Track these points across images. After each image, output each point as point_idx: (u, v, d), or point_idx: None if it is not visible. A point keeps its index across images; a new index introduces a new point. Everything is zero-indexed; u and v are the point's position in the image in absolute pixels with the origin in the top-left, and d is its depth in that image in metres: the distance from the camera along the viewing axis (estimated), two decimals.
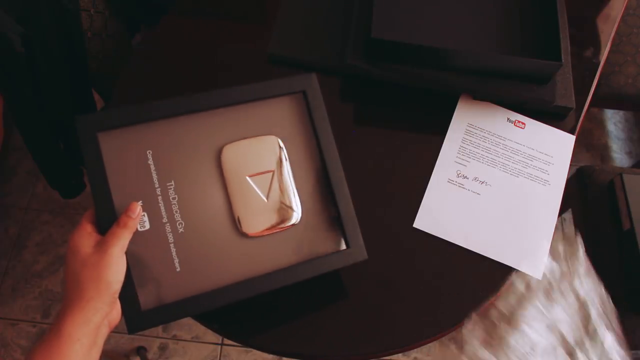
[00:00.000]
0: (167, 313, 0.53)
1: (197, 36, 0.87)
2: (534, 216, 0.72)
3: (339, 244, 0.60)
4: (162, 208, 0.55)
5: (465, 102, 0.80)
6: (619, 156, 1.65)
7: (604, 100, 1.26)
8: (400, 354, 1.32)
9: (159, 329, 1.35)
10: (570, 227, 1.51)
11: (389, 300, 0.67)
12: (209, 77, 0.82)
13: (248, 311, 0.64)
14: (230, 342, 1.35)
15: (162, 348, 1.33)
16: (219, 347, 1.34)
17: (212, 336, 1.35)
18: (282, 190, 0.59)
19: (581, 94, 0.82)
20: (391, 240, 0.70)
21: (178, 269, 0.54)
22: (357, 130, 0.78)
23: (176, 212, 0.55)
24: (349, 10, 0.85)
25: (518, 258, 0.69)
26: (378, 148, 0.77)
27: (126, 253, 0.51)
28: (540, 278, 0.68)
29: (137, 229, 0.53)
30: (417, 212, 0.72)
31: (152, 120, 0.56)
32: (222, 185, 0.57)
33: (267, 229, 0.58)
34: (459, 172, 0.75)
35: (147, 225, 0.54)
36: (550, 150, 0.77)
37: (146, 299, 0.53)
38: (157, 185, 0.55)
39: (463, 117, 0.79)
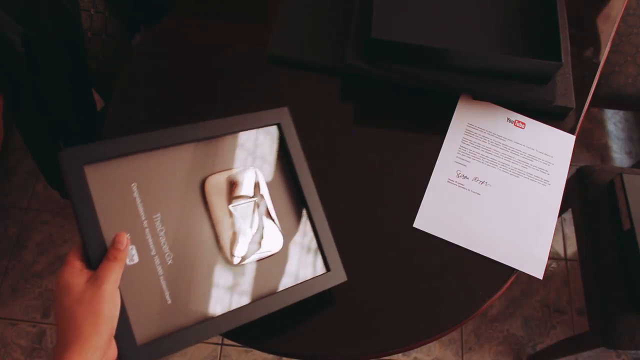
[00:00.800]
0: (161, 346, 0.53)
1: (197, 36, 0.87)
2: (534, 216, 0.72)
3: (320, 268, 0.63)
4: (150, 240, 0.55)
5: (465, 102, 0.80)
6: (619, 156, 1.65)
7: (604, 100, 1.26)
8: (400, 354, 1.32)
9: None
10: (570, 227, 1.51)
11: (389, 300, 0.67)
12: (209, 77, 0.82)
13: None
14: (230, 342, 1.35)
15: None
16: (219, 347, 1.34)
17: None
18: (264, 219, 0.61)
19: (581, 94, 0.82)
20: (391, 240, 0.70)
21: (169, 301, 0.54)
22: (357, 130, 0.78)
23: (164, 244, 0.55)
24: (349, 10, 0.85)
25: (518, 258, 0.69)
26: (378, 148, 0.77)
27: (118, 287, 0.50)
28: (541, 278, 0.68)
29: (126, 263, 0.52)
30: (417, 212, 0.72)
31: (136, 152, 0.56)
32: (208, 216, 0.58)
33: (252, 258, 0.59)
34: (459, 172, 0.75)
35: (136, 259, 0.54)
36: (550, 150, 0.77)
37: (140, 333, 0.52)
38: (143, 218, 0.55)
39: (463, 117, 0.79)
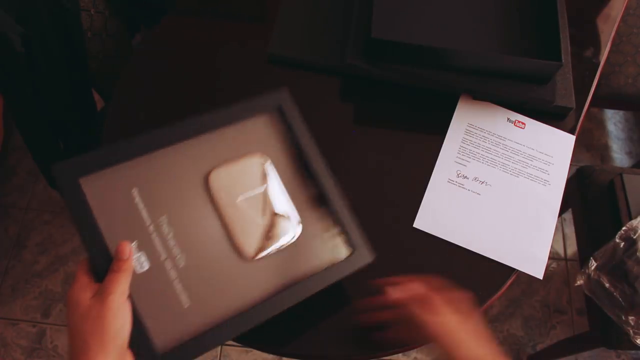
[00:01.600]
0: (185, 352, 0.50)
1: (197, 36, 0.87)
2: (534, 216, 0.72)
3: (343, 251, 0.59)
4: (159, 245, 0.53)
5: (465, 102, 0.80)
6: (619, 156, 1.64)
7: (604, 100, 1.26)
8: (400, 354, 1.32)
9: None
10: (570, 227, 1.51)
11: None
12: (209, 77, 0.82)
13: None
14: (230, 342, 1.35)
15: None
16: (219, 347, 1.34)
17: None
18: (277, 207, 0.58)
19: (581, 94, 0.82)
20: (391, 240, 0.70)
21: (186, 305, 0.52)
22: (357, 130, 0.78)
23: (174, 246, 0.53)
24: (349, 10, 0.85)
25: (518, 258, 0.69)
26: (378, 148, 0.77)
27: (131, 297, 0.49)
28: (541, 278, 0.68)
29: (136, 271, 0.51)
30: (417, 212, 0.72)
31: (132, 157, 0.54)
32: (216, 212, 0.56)
33: (269, 249, 0.57)
34: (459, 172, 0.75)
35: (147, 266, 0.52)
36: (550, 150, 0.77)
37: (160, 341, 0.50)
38: (148, 223, 0.53)
39: (463, 117, 0.79)
